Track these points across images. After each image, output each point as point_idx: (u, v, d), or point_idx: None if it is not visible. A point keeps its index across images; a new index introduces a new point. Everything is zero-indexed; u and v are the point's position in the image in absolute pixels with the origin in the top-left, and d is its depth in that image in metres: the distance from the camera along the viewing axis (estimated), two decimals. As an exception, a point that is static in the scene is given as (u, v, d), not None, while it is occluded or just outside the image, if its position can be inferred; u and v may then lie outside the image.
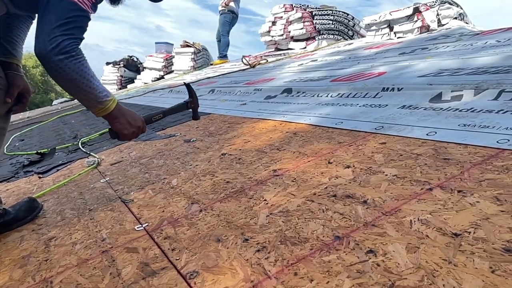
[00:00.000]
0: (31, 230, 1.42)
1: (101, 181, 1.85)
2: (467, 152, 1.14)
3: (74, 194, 1.74)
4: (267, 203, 1.14)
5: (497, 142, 1.13)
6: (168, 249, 1.03)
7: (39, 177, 2.24)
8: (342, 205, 1.02)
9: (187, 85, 1.83)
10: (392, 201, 0.97)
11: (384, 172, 1.15)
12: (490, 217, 0.81)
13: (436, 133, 1.33)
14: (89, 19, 1.35)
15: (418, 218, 0.87)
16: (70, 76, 1.28)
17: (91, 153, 2.50)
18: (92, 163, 2.18)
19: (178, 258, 0.97)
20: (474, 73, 1.95)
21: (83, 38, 1.34)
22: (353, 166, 1.26)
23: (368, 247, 0.81)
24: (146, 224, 1.22)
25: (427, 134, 1.34)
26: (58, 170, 2.32)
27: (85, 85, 1.32)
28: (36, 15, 1.71)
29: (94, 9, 1.37)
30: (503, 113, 1.34)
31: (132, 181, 1.72)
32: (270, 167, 1.44)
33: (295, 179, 1.27)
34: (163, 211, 1.29)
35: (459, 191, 0.94)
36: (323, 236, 0.90)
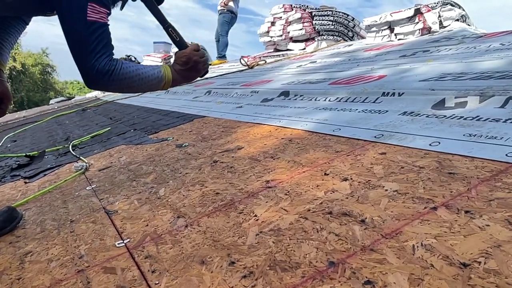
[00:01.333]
0: (8, 243, 1.34)
1: (87, 188, 1.76)
2: (473, 166, 1.05)
3: (57, 203, 1.65)
4: (257, 219, 1.06)
5: (506, 155, 1.05)
6: (148, 270, 0.94)
7: (25, 182, 2.16)
8: (338, 224, 0.93)
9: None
10: (392, 221, 0.89)
11: (384, 186, 1.07)
12: (502, 244, 0.72)
13: (439, 143, 1.25)
14: (109, 26, 1.38)
15: (421, 243, 0.78)
16: (125, 84, 1.39)
17: (81, 157, 2.42)
18: (80, 168, 2.09)
19: (157, 282, 0.88)
20: (478, 78, 1.86)
21: (113, 47, 1.39)
22: (351, 178, 1.17)
23: (366, 277, 0.73)
24: (128, 240, 1.13)
25: (430, 144, 1.26)
26: (45, 175, 2.23)
27: (140, 80, 1.40)
28: (31, 17, 1.65)
29: (109, 15, 1.39)
30: (511, 122, 1.26)
31: (118, 189, 1.64)
32: (263, 178, 1.35)
33: (288, 192, 1.19)
34: (147, 225, 1.20)
35: (466, 212, 0.85)
36: (317, 261, 0.81)
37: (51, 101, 11.25)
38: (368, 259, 0.78)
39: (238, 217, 1.10)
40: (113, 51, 1.38)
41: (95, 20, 1.31)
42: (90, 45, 1.31)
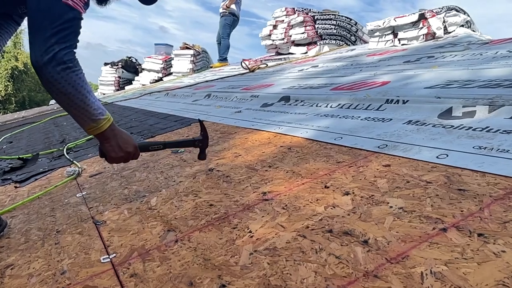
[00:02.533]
0: (-10, 254, 1.27)
1: (77, 195, 1.69)
2: (485, 182, 0.98)
3: (45, 210, 1.58)
4: (252, 236, 0.99)
5: (521, 171, 0.98)
6: (132, 291, 0.87)
7: (15, 187, 2.08)
8: (338, 244, 0.86)
9: (201, 122, 1.64)
10: (398, 243, 0.82)
11: (388, 203, 0.99)
12: (522, 275, 0.65)
13: (447, 156, 1.18)
14: (82, 20, 1.25)
15: (430, 270, 0.71)
16: (65, 90, 1.19)
17: (74, 161, 2.34)
18: (72, 173, 2.02)
19: (141, 306, 0.81)
20: (486, 86, 1.79)
21: (77, 42, 1.24)
22: (353, 193, 1.10)
23: (369, 309, 0.65)
24: (114, 254, 1.06)
25: (437, 157, 1.19)
26: (36, 179, 2.16)
27: (80, 100, 1.22)
28: (22, 18, 1.57)
29: (86, 8, 1.26)
30: (523, 134, 1.19)
31: (109, 197, 1.56)
32: (260, 189, 1.28)
33: (286, 205, 1.11)
34: (135, 238, 1.13)
35: (479, 235, 0.78)
36: (315, 288, 0.74)
37: (51, 102, 11.19)
38: (371, 287, 0.70)
39: (232, 232, 1.03)
40: (84, 43, 1.24)
41: (71, 5, 1.18)
42: (56, 27, 1.15)
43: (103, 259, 1.05)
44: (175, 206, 1.30)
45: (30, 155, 2.83)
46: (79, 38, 1.28)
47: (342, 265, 0.79)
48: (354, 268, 0.77)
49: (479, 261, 0.70)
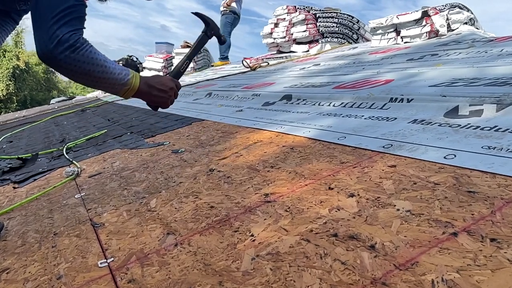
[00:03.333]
0: (-14, 257, 1.24)
1: (75, 196, 1.66)
2: (495, 183, 0.94)
3: (43, 212, 1.55)
4: (254, 240, 0.95)
5: (533, 172, 0.94)
6: (130, 298, 0.84)
7: (14, 188, 2.06)
8: (344, 249, 0.83)
9: (197, 14, 1.63)
10: (406, 248, 0.78)
11: (395, 205, 0.96)
12: (539, 284, 0.61)
13: (455, 156, 1.14)
14: (86, 7, 1.22)
15: (442, 278, 0.67)
16: (83, 69, 1.18)
17: (73, 161, 2.32)
18: (71, 173, 1.99)
19: (138, 314, 0.78)
20: (493, 84, 1.75)
21: (84, 28, 1.21)
22: (358, 194, 1.06)
23: (378, 320, 0.62)
24: (112, 259, 1.03)
25: (444, 157, 1.15)
26: (35, 179, 2.13)
27: (101, 72, 1.21)
28: (21, 16, 1.54)
29: None
30: (533, 134, 1.15)
31: (108, 198, 1.53)
32: (262, 190, 1.25)
33: (289, 208, 1.08)
34: (134, 242, 1.10)
35: (492, 240, 0.74)
36: (320, 296, 0.70)
37: (52, 101, 11.15)
38: (379, 296, 0.67)
39: (233, 236, 1.00)
40: (84, 31, 1.21)
41: None
42: (59, 13, 1.13)
43: (101, 263, 1.02)
44: (175, 208, 1.27)
45: (29, 155, 2.80)
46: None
47: (348, 272, 0.75)
48: (361, 275, 0.74)
49: (492, 268, 0.67)
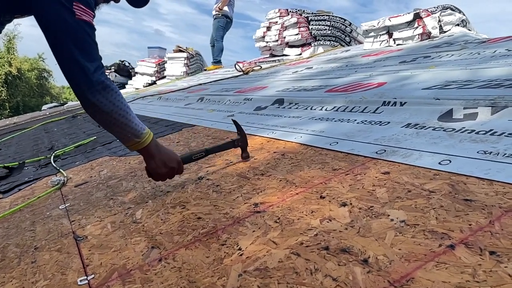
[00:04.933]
0: (-37, 274, 1.18)
1: (60, 207, 1.60)
2: (493, 191, 0.91)
3: (25, 224, 1.49)
4: (241, 254, 0.90)
5: (531, 179, 0.90)
6: (109, 320, 0.78)
7: (-2, 198, 1.99)
8: (335, 264, 0.78)
9: (235, 122, 1.67)
10: (401, 262, 0.74)
11: (389, 215, 0.92)
12: (543, 302, 0.57)
13: (450, 161, 1.10)
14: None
15: (439, 296, 0.63)
16: (108, 108, 1.22)
17: (60, 170, 2.25)
18: (56, 183, 1.93)
19: (117, 338, 0.73)
20: (487, 86, 1.72)
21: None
22: (350, 204, 1.02)
23: None
24: (92, 275, 0.98)
25: (439, 163, 1.11)
26: (20, 189, 2.07)
27: (122, 117, 1.25)
28: (2, 26, 1.50)
29: (94, 17, 1.25)
30: (530, 138, 1.11)
31: (93, 209, 1.48)
32: (251, 200, 1.20)
33: (279, 218, 1.03)
34: (117, 257, 1.05)
35: (491, 253, 0.70)
36: (310, 317, 0.66)
37: (43, 107, 11.03)
38: (373, 317, 0.62)
39: (220, 250, 0.95)
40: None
41: (85, 20, 1.18)
42: (89, 46, 1.18)
43: (80, 280, 0.97)
44: (161, 220, 1.22)
45: (16, 163, 2.73)
46: None
47: (340, 289, 0.71)
48: (354, 292, 0.69)
49: (493, 285, 0.63)
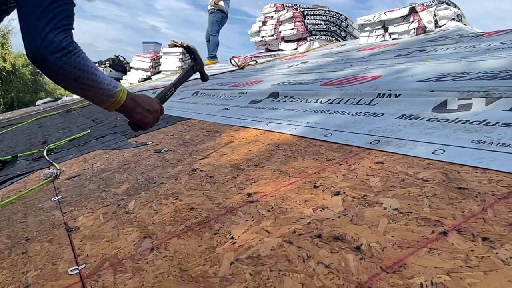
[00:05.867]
0: (-47, 265, 1.16)
1: (52, 199, 1.59)
2: (486, 179, 0.90)
3: (17, 216, 1.48)
4: (234, 243, 0.90)
5: (525, 167, 0.90)
6: (99, 308, 0.78)
7: (-10, 191, 1.97)
8: (328, 251, 0.78)
9: (187, 48, 1.71)
10: (394, 249, 0.73)
11: (382, 203, 0.91)
12: (535, 286, 0.57)
13: (444, 151, 1.10)
14: (73, 5, 1.18)
15: (431, 281, 0.63)
16: (73, 74, 1.14)
17: (54, 163, 2.24)
18: (49, 175, 1.92)
19: (107, 326, 0.72)
20: (481, 78, 1.72)
21: (73, 28, 1.17)
22: (344, 193, 1.01)
23: (363, 329, 0.57)
24: (84, 265, 0.97)
25: (433, 153, 1.11)
26: (12, 182, 2.05)
27: (90, 80, 1.18)
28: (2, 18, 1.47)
29: None
30: (524, 127, 1.11)
31: (85, 201, 1.47)
32: (245, 190, 1.19)
33: (272, 208, 1.03)
34: (108, 247, 1.04)
35: (484, 239, 0.70)
36: (301, 303, 0.65)
37: (38, 102, 10.96)
38: (365, 302, 0.62)
39: (212, 239, 0.94)
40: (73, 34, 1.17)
41: None
42: (50, 12, 1.09)
43: (71, 270, 0.96)
44: (154, 210, 1.21)
45: (9, 157, 2.71)
46: None
47: (332, 276, 0.70)
48: (346, 279, 0.68)
49: (485, 270, 0.62)
